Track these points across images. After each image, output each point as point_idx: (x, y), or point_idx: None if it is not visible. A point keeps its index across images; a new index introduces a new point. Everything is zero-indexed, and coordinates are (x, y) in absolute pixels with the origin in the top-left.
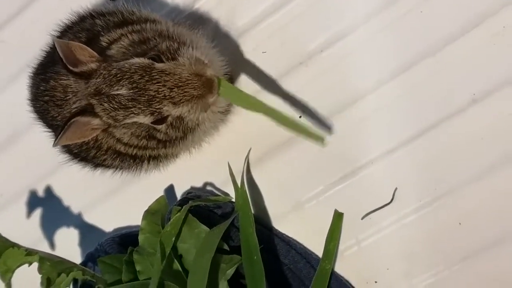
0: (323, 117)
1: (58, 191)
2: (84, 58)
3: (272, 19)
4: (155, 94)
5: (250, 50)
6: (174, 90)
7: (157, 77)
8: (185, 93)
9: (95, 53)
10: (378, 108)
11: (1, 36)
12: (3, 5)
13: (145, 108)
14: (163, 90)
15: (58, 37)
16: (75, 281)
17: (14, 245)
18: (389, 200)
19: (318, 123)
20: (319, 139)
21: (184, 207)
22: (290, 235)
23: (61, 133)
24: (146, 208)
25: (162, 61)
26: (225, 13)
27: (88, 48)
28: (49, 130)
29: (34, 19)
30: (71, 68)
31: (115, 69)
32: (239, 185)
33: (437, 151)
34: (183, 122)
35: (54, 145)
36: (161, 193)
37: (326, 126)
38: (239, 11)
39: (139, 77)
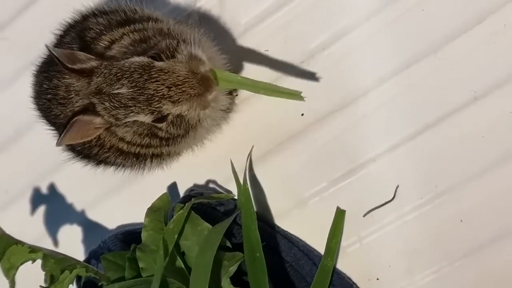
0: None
1: (62, 188)
2: (82, 59)
3: (275, 18)
4: (154, 93)
5: (252, 48)
6: (172, 89)
7: (155, 75)
8: (182, 92)
9: (92, 57)
10: (380, 106)
11: (5, 34)
12: (7, 2)
13: (145, 107)
14: (161, 89)
15: (61, 35)
16: (78, 278)
17: (18, 242)
18: (391, 198)
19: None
20: (298, 96)
21: (186, 204)
22: (292, 232)
23: (64, 132)
24: (149, 205)
25: (162, 60)
26: (227, 11)
27: (86, 54)
28: (52, 128)
29: (38, 16)
30: (69, 65)
31: (115, 68)
32: (241, 182)
33: (438, 149)
34: (184, 120)
35: (57, 144)
36: (164, 190)
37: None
38: (241, 9)
39: (139, 75)
